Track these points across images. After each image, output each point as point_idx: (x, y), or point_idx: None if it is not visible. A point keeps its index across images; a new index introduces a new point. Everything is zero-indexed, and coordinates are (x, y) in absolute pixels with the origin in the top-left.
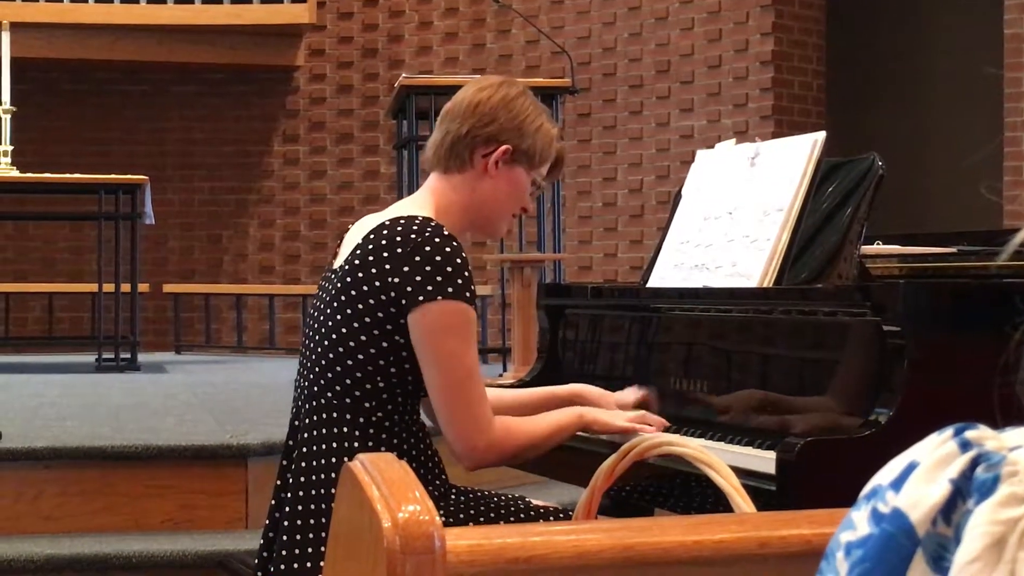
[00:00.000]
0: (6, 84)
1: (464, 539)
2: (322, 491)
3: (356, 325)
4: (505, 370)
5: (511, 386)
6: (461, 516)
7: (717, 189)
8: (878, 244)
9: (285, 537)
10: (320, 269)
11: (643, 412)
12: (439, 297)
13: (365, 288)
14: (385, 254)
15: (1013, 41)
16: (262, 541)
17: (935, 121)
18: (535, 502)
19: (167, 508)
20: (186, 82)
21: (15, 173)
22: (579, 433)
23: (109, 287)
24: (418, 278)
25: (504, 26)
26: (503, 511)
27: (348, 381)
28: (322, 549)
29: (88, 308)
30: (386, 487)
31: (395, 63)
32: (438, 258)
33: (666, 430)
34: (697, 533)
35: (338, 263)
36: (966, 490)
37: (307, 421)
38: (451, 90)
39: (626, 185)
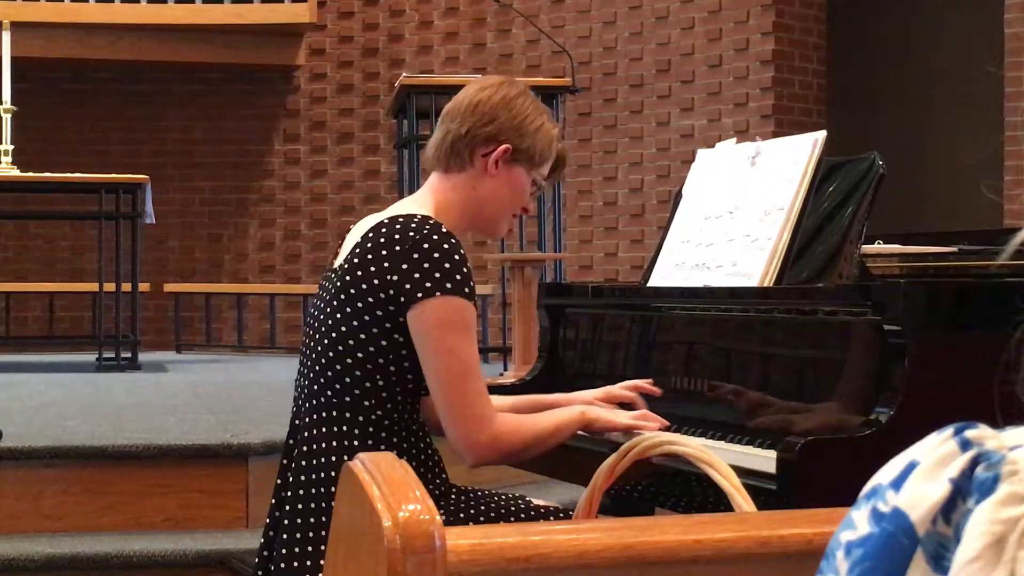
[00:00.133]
0: (6, 84)
1: (465, 538)
2: (322, 490)
3: (356, 324)
4: (506, 369)
5: (511, 385)
6: (461, 515)
7: (718, 188)
8: (878, 243)
9: (285, 536)
10: (321, 268)
11: (644, 411)
12: (438, 293)
13: (364, 287)
14: (384, 252)
15: (1013, 40)
16: (262, 540)
17: (935, 121)
18: (536, 501)
19: (168, 507)
20: (187, 82)
21: (16, 173)
22: (580, 432)
23: (110, 286)
24: (417, 275)
25: (505, 25)
26: (503, 510)
27: (348, 380)
28: (322, 548)
29: (89, 307)
30: (386, 486)
31: (395, 62)
32: (436, 255)
33: (666, 429)
34: (698, 532)
35: (338, 262)
36: (966, 489)
37: (307, 420)
38: (451, 89)
39: (627, 184)
